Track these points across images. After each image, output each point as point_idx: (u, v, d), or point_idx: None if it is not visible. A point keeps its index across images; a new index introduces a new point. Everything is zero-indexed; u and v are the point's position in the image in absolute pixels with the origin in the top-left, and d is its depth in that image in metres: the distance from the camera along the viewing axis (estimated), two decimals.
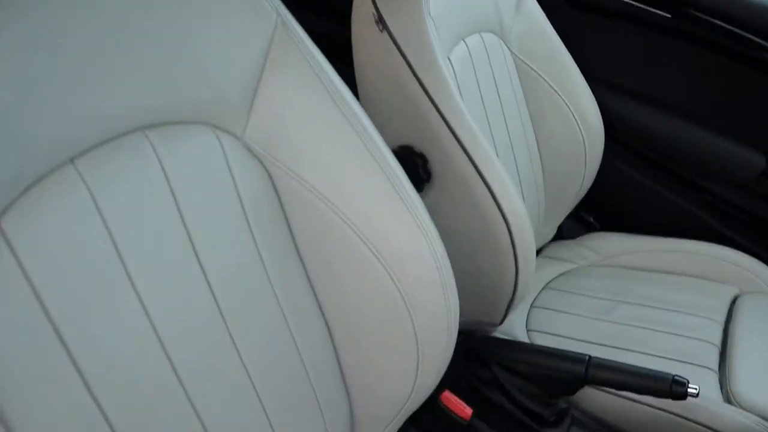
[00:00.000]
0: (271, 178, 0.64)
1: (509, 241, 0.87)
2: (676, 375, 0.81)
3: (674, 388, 0.80)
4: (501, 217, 0.86)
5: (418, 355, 0.69)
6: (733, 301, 1.17)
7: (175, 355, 0.54)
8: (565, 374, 0.87)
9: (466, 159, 0.86)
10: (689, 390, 0.80)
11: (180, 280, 0.55)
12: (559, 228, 1.34)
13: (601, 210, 1.42)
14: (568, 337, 1.07)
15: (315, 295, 0.68)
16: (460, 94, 0.96)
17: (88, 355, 0.49)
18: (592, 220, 1.43)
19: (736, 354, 1.02)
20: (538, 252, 1.34)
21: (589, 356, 0.86)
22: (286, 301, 0.64)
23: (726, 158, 1.28)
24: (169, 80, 0.56)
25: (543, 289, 1.21)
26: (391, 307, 0.67)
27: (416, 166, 0.88)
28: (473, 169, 0.86)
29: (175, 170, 0.56)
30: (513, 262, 0.89)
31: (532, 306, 1.16)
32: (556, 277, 1.25)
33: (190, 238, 0.56)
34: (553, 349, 0.91)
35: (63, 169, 0.49)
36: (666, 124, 1.32)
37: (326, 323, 0.69)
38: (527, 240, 0.89)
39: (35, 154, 0.47)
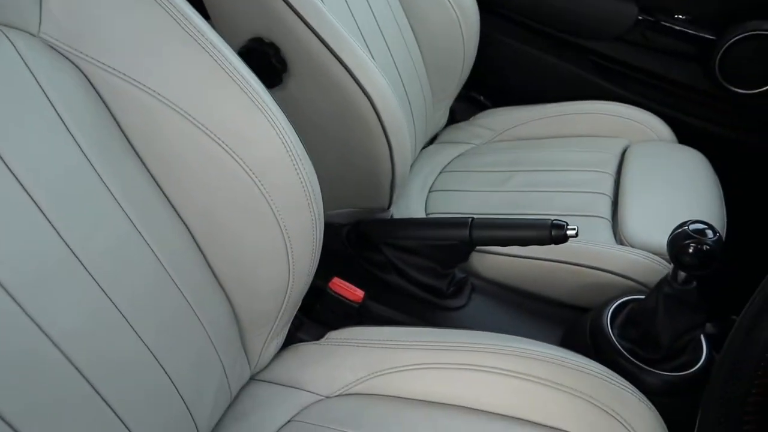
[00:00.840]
0: (84, 74, 0.60)
1: (375, 117, 0.85)
2: (555, 219, 0.82)
3: (554, 233, 0.81)
4: (362, 93, 0.84)
5: (284, 237, 0.67)
6: (624, 153, 1.18)
7: (10, 281, 0.49)
8: (451, 241, 0.86)
9: (316, 40, 0.82)
10: (568, 231, 0.81)
11: None
12: (452, 111, 1.32)
13: (490, 87, 1.41)
14: (467, 213, 1.06)
15: (164, 194, 0.65)
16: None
17: None
18: (482, 98, 1.42)
19: (626, 201, 1.04)
20: (434, 139, 1.32)
21: (472, 218, 0.86)
22: (129, 205, 0.60)
23: (601, 13, 1.28)
24: None
25: (440, 173, 1.21)
26: (243, 191, 0.64)
27: (269, 56, 0.84)
28: (324, 48, 0.82)
29: None
30: (384, 140, 0.87)
31: (430, 191, 1.15)
32: (452, 160, 1.24)
33: None
34: (437, 219, 0.90)
35: None
36: None
37: (184, 223, 0.66)
38: (394, 114, 0.87)
39: None
